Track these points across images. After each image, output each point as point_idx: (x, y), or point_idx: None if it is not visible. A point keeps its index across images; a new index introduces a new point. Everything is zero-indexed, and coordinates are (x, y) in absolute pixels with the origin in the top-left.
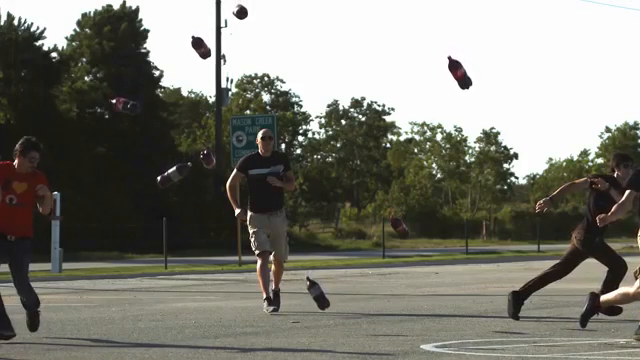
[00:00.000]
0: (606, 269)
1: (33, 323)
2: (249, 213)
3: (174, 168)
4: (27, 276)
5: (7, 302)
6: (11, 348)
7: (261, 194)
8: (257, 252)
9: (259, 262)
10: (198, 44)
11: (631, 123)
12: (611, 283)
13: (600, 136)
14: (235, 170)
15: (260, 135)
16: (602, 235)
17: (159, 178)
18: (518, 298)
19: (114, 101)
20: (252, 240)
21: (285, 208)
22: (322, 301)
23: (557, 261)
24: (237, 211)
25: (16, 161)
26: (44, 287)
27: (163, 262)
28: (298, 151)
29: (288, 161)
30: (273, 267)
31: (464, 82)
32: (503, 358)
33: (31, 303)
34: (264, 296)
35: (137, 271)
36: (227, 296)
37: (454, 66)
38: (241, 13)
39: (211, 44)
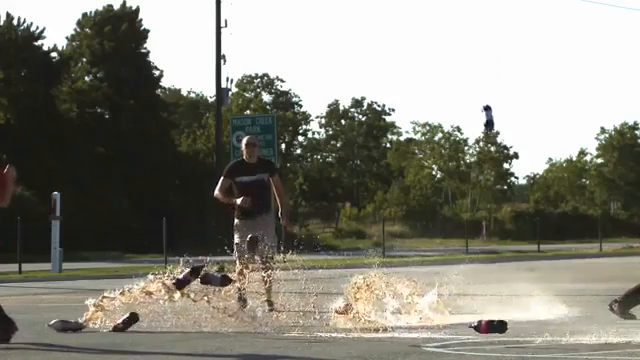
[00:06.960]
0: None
1: None
2: (235, 220)
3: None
4: None
5: (4, 302)
6: (11, 348)
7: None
8: (236, 258)
9: (237, 268)
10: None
11: (630, 123)
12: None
13: (597, 138)
14: (222, 177)
15: (244, 142)
16: None
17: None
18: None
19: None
20: (234, 250)
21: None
22: None
23: None
24: (238, 200)
25: None
26: (44, 287)
27: (163, 262)
28: (298, 151)
29: (273, 167)
30: (262, 274)
31: None
32: (503, 358)
33: None
34: (236, 296)
35: (137, 271)
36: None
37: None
38: (252, 245)
39: (211, 44)
